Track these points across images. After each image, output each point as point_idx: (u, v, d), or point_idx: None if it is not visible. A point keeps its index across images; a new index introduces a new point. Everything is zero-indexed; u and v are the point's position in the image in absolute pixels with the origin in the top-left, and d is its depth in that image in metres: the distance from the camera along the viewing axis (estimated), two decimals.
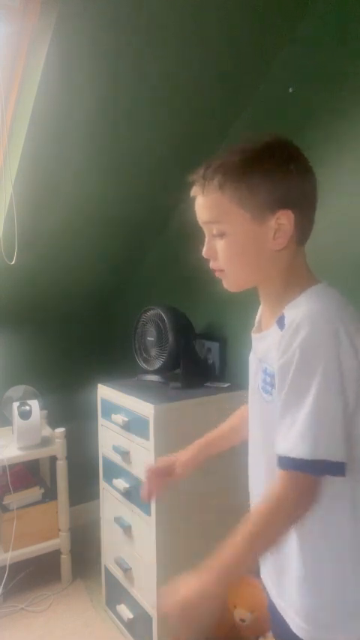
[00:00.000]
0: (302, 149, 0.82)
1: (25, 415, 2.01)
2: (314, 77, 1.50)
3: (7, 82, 1.51)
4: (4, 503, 2.04)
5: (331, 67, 1.45)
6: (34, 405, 2.06)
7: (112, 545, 1.85)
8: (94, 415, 1.90)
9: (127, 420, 1.66)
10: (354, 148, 1.41)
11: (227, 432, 1.08)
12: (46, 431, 2.20)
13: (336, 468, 0.71)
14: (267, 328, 0.85)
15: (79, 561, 2.17)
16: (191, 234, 1.01)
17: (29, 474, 2.20)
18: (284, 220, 0.78)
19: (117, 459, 1.74)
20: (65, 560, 2.12)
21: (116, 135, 1.66)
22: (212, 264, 0.85)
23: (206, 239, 0.84)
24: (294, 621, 0.82)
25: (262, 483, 0.87)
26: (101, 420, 1.86)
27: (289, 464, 0.73)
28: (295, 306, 0.79)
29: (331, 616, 0.80)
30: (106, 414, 1.81)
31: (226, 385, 1.77)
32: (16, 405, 2.05)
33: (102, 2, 1.26)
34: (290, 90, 1.56)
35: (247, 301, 0.99)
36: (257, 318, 0.95)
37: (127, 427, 1.67)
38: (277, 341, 0.78)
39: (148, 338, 1.85)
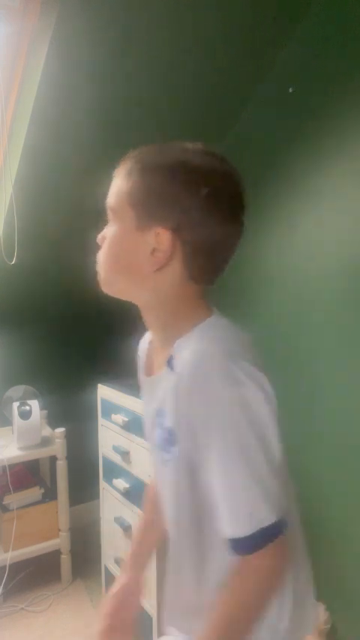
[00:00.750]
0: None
1: (25, 415, 2.02)
2: (314, 77, 1.50)
3: (7, 82, 1.51)
4: (4, 503, 2.04)
5: (331, 67, 1.45)
6: (34, 405, 2.06)
7: (112, 545, 1.85)
8: (94, 415, 1.90)
9: (127, 420, 1.66)
10: (354, 148, 1.41)
11: (152, 521, 0.93)
12: (46, 431, 2.20)
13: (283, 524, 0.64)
14: (159, 370, 0.75)
15: (79, 561, 2.17)
16: None
17: (29, 474, 2.20)
18: (162, 239, 0.67)
19: (117, 459, 1.74)
20: (65, 560, 2.12)
21: (116, 135, 1.66)
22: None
23: (107, 225, 0.75)
24: None
25: (173, 543, 0.78)
26: (101, 420, 1.86)
27: (250, 544, 0.63)
28: (184, 344, 0.69)
29: None
30: (106, 414, 1.81)
31: None
32: (16, 405, 2.05)
33: (102, 2, 1.26)
34: (290, 90, 1.56)
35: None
36: (143, 354, 0.85)
37: (127, 427, 1.67)
38: (170, 389, 0.68)
39: None
